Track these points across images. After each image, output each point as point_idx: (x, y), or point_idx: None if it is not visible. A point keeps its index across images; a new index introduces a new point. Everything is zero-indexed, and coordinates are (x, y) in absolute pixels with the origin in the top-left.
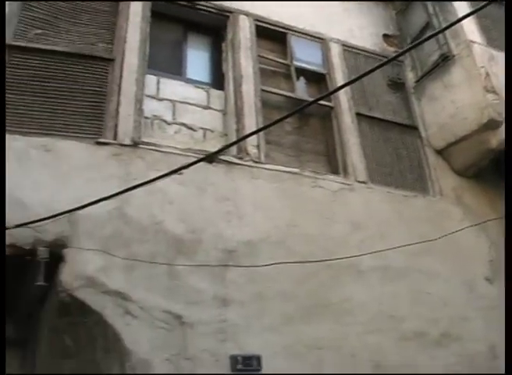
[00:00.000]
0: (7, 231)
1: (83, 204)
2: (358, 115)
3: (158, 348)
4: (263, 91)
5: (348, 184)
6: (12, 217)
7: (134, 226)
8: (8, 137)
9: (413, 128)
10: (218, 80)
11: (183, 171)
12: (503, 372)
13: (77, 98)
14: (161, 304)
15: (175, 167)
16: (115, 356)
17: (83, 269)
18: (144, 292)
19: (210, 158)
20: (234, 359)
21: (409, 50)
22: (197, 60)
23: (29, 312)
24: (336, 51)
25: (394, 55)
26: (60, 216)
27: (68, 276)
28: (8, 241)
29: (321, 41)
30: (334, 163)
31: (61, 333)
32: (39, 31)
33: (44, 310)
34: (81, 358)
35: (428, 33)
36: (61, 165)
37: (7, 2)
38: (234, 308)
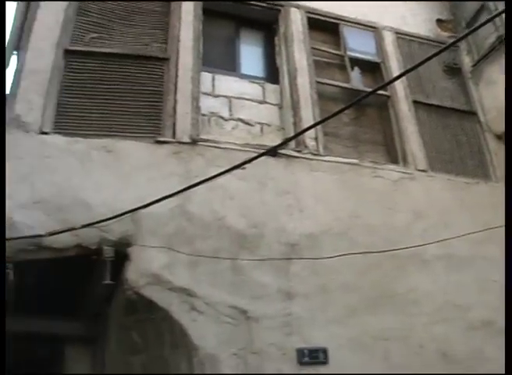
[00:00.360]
0: (74, 232)
1: (145, 203)
2: (415, 102)
3: (224, 343)
4: (318, 82)
5: (408, 173)
6: (77, 218)
7: (197, 223)
8: (69, 140)
9: (471, 113)
10: (272, 75)
11: (244, 166)
12: None
13: (135, 98)
14: (226, 299)
15: (234, 163)
16: (183, 352)
17: (149, 266)
18: (208, 288)
19: (271, 152)
20: (301, 352)
21: (467, 35)
22: (250, 55)
23: (97, 310)
24: (389, 39)
25: (451, 40)
26: (124, 216)
27: (134, 274)
28: (74, 241)
29: (373, 29)
30: (393, 153)
31: (129, 330)
32: (94, 35)
33: (112, 308)
34: (149, 354)
35: (484, 16)
36: (122, 165)
37: (63, 8)
38: (298, 302)
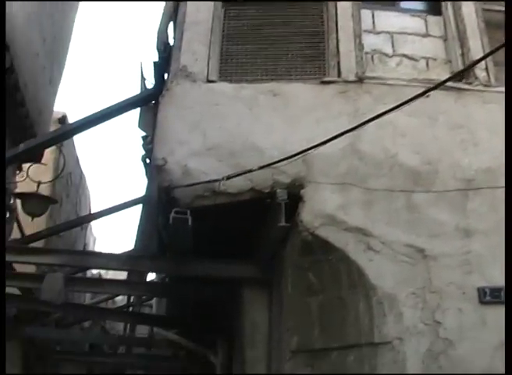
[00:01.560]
0: (247, 176)
1: (314, 144)
2: None
3: (402, 282)
4: (484, 10)
5: None
6: (249, 162)
7: (368, 162)
8: (235, 86)
9: None
10: (433, 6)
11: (413, 101)
12: None
13: (297, 40)
14: (403, 238)
15: (401, 99)
16: (361, 292)
17: (323, 207)
18: (384, 227)
19: (442, 84)
20: (482, 291)
21: None
22: None
23: (272, 253)
24: None
25: None
26: (295, 157)
27: (308, 215)
28: (248, 185)
29: None
30: None
31: (305, 271)
32: None
33: (287, 250)
34: (326, 295)
35: None
36: (289, 108)
37: None
38: (477, 239)
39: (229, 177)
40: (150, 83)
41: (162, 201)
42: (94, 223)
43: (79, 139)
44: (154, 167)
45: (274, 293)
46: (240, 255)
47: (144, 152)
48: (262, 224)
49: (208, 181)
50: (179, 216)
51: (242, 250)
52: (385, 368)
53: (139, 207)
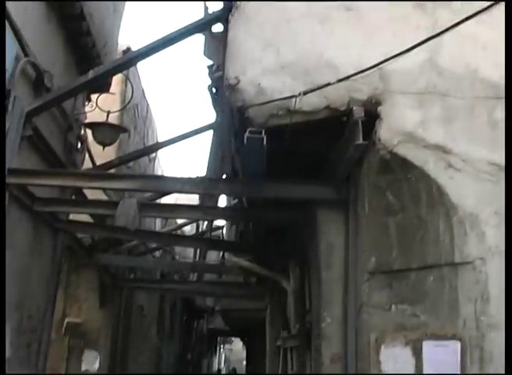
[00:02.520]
0: (323, 94)
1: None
2: None
3: (484, 201)
4: None
5: None
6: (324, 79)
7: (448, 77)
8: (308, 2)
9: None
10: None
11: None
12: None
13: None
14: (485, 155)
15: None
16: (441, 211)
17: (401, 124)
18: (465, 144)
19: None
20: None
21: None
22: None
23: (348, 173)
24: None
25: None
26: (372, 70)
27: (386, 132)
28: (323, 103)
29: None
30: None
31: (382, 190)
32: None
33: (364, 169)
34: (405, 214)
35: None
36: (364, 22)
37: None
38: None
39: (305, 93)
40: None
41: (236, 123)
42: (161, 155)
43: (144, 72)
44: (226, 87)
45: (350, 214)
46: (314, 176)
47: (210, 81)
48: (338, 144)
49: (283, 98)
50: (253, 136)
51: (316, 171)
52: (465, 288)
53: (208, 135)
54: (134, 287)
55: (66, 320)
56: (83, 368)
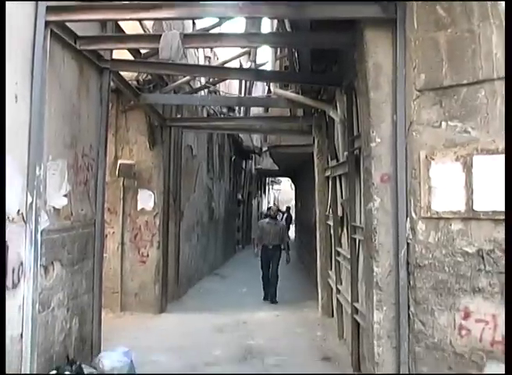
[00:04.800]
0: None
1: None
2: None
3: None
4: None
5: None
6: None
7: None
8: None
9: None
10: None
11: None
12: None
13: None
14: None
15: None
16: (494, 23)
17: None
18: None
19: None
20: None
21: None
22: None
23: None
24: None
25: None
26: None
27: None
28: None
29: None
30: None
31: (432, 4)
32: None
33: None
34: (456, 28)
35: None
36: None
37: None
38: None
39: None
40: None
41: None
42: None
43: None
44: None
45: (398, 32)
46: None
47: None
48: None
49: None
50: None
51: None
52: None
53: None
54: (182, 127)
55: (119, 162)
56: (139, 207)
